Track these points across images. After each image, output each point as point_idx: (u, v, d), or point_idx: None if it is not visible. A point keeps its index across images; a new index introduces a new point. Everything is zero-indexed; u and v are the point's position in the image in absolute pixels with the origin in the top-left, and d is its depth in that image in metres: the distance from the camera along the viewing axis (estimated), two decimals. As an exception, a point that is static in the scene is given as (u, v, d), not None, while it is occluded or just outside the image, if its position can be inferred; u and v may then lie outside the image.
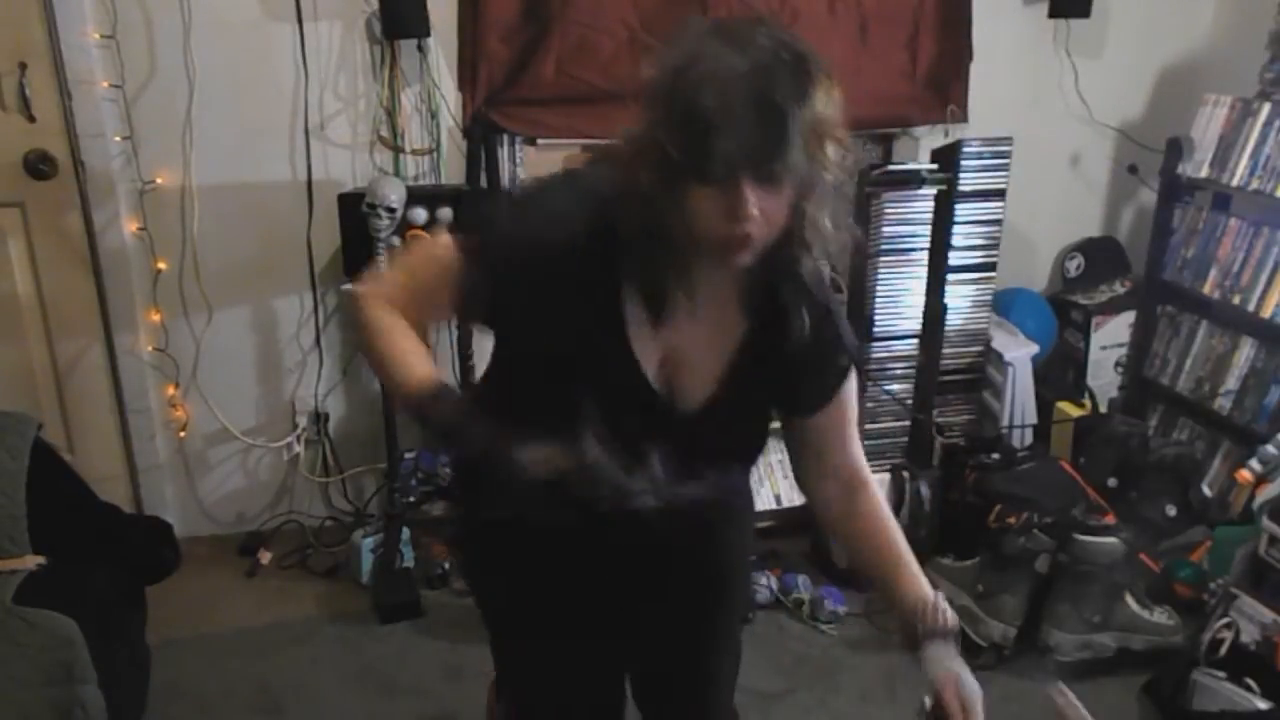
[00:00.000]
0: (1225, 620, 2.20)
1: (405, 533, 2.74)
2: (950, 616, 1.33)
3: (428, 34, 2.60)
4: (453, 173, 2.79)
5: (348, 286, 2.56)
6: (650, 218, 1.12)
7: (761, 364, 1.27)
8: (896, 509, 2.65)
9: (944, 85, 3.02)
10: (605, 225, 1.16)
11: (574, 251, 1.17)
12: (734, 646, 1.65)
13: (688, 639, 1.54)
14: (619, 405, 1.14)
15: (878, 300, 2.87)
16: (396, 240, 2.56)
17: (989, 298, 2.98)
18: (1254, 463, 2.48)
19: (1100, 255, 3.31)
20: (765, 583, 2.60)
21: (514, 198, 1.37)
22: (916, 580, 1.38)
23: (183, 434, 2.86)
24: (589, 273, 1.18)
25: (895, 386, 2.96)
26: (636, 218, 1.13)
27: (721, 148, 1.03)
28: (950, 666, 1.31)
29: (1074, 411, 3.06)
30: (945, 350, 2.96)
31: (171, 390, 2.81)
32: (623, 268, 1.19)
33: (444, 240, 1.24)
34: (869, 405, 2.96)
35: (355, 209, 2.49)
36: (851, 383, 1.36)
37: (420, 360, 1.20)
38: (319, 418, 2.92)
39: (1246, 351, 2.84)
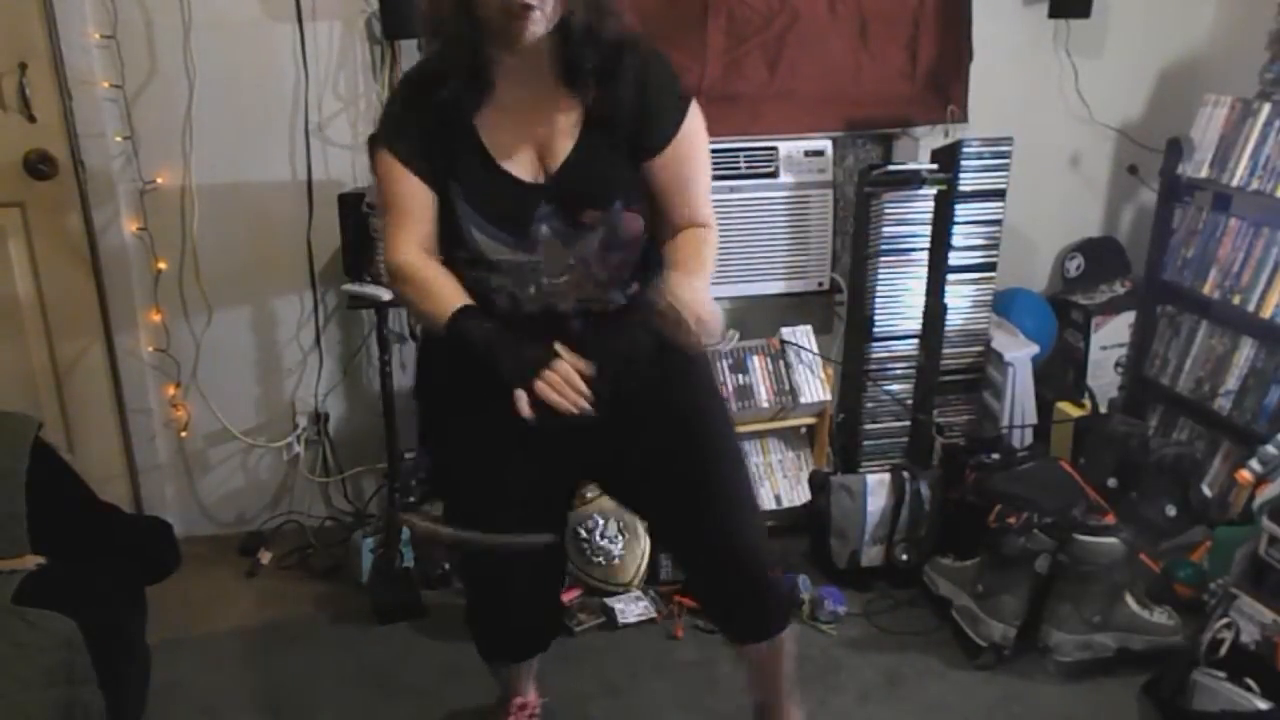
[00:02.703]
0: (1225, 620, 2.20)
1: (405, 533, 2.74)
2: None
3: (428, 34, 2.60)
4: (453, 173, 2.79)
5: (350, 286, 2.55)
6: (449, 20, 1.42)
7: (605, 126, 1.51)
8: (896, 509, 2.65)
9: (944, 85, 3.02)
10: (441, 66, 1.49)
11: (428, 94, 1.48)
12: (730, 451, 1.76)
13: (667, 446, 1.67)
14: (495, 199, 1.51)
15: (878, 300, 2.88)
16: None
17: (989, 298, 2.98)
18: (1254, 463, 2.48)
19: (1100, 255, 3.31)
20: (765, 583, 2.60)
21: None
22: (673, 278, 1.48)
23: (183, 434, 2.86)
24: (443, 107, 1.49)
25: (895, 386, 2.97)
26: (443, 27, 1.45)
27: None
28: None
29: (1074, 411, 3.06)
30: (945, 350, 2.96)
31: (172, 390, 2.81)
32: (465, 90, 1.48)
33: (380, 163, 1.54)
34: (869, 405, 2.97)
35: (355, 209, 2.49)
36: (693, 121, 1.56)
37: (449, 295, 1.50)
38: (319, 418, 2.92)
39: (1246, 351, 2.84)
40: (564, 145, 1.52)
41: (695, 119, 1.56)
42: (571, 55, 1.46)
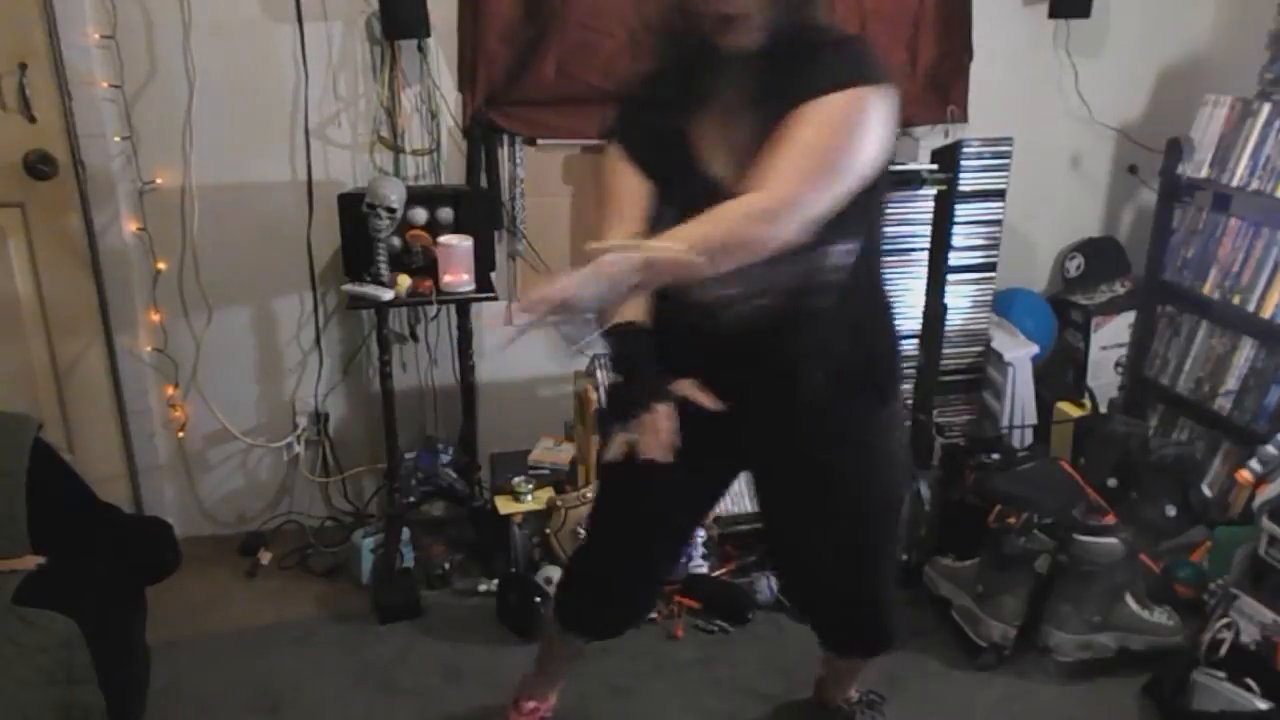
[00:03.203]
0: (1225, 620, 2.20)
1: (405, 533, 2.74)
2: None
3: (428, 34, 2.60)
4: (453, 173, 2.79)
5: (350, 286, 2.54)
6: (669, 16, 1.40)
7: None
8: (896, 509, 2.65)
9: (944, 85, 3.02)
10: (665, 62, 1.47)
11: (652, 91, 1.49)
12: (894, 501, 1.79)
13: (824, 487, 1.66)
14: (694, 203, 1.32)
15: (878, 300, 2.87)
16: (396, 240, 2.56)
17: (989, 298, 2.98)
18: (1254, 463, 2.49)
19: (1100, 255, 3.31)
20: (765, 583, 2.60)
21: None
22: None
23: (182, 434, 2.86)
24: (662, 105, 1.46)
25: (895, 386, 2.96)
26: (661, 22, 1.42)
27: None
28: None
29: (1074, 411, 3.06)
30: (945, 350, 2.96)
31: (171, 390, 2.81)
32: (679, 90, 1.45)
33: (608, 156, 1.50)
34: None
35: (355, 209, 2.49)
36: (840, 102, 1.30)
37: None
38: (319, 418, 2.92)
39: (1246, 351, 2.84)
40: (750, 151, 1.39)
41: (838, 103, 1.31)
42: (775, 62, 1.38)
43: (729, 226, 1.27)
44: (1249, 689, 2.06)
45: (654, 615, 2.54)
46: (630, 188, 1.47)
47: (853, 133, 1.31)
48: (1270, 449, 2.46)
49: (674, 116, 1.46)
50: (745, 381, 1.49)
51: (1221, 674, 2.11)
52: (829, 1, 1.44)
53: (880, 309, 1.62)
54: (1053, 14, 3.00)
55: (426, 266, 2.59)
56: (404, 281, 2.53)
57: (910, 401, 2.98)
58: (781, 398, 1.54)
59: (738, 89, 1.41)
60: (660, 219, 1.41)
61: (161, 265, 2.68)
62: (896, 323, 1.68)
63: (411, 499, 2.81)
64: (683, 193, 1.42)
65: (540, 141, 2.81)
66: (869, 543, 1.71)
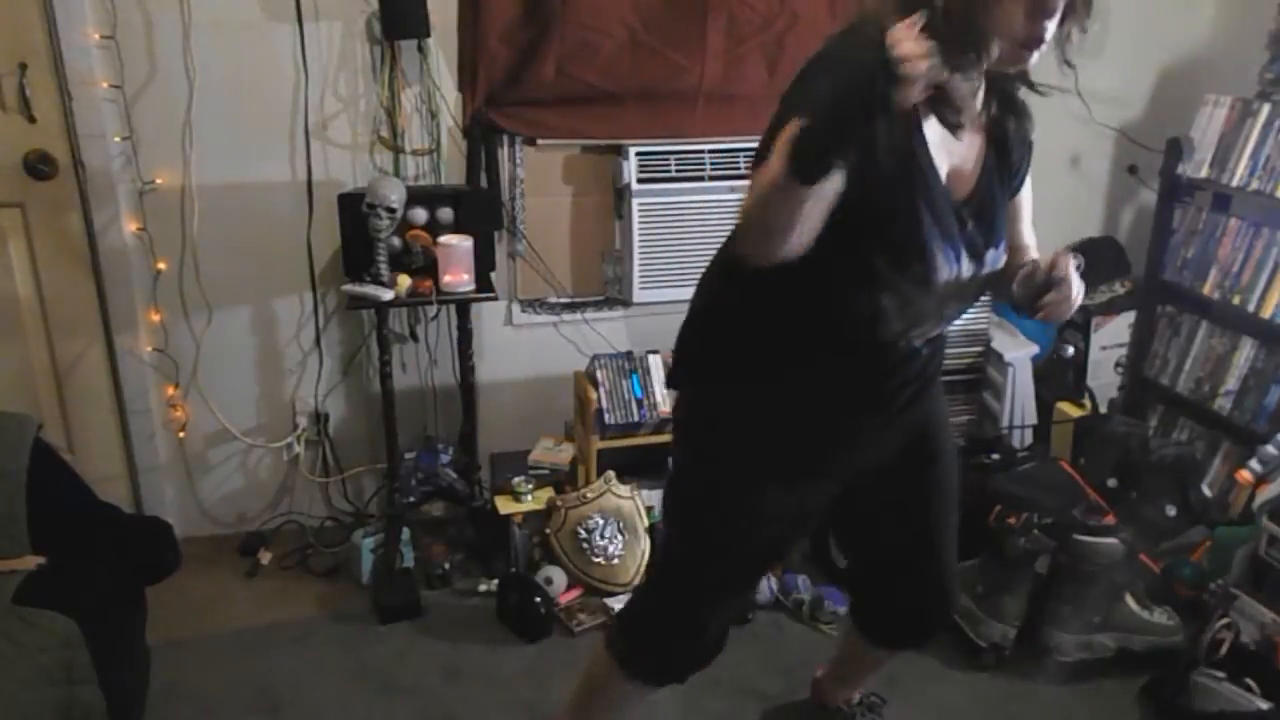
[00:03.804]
0: (1225, 620, 2.20)
1: (405, 533, 2.74)
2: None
3: (428, 34, 2.60)
4: (453, 173, 2.79)
5: (350, 286, 2.54)
6: (967, 20, 1.24)
7: (1000, 162, 1.48)
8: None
9: (944, 85, 3.01)
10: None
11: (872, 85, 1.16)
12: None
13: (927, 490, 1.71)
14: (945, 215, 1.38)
15: (878, 300, 2.87)
16: (396, 240, 2.56)
17: (989, 298, 2.97)
18: (1254, 463, 2.48)
19: (1100, 255, 3.29)
20: (765, 583, 2.60)
21: (811, 74, 1.34)
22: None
23: (182, 434, 2.86)
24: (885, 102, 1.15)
25: (895, 386, 2.96)
26: (957, 23, 1.23)
27: None
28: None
29: (1074, 412, 3.06)
30: (945, 350, 2.96)
31: (171, 390, 2.81)
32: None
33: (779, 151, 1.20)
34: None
35: (355, 209, 2.49)
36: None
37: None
38: (319, 418, 2.92)
39: (1246, 351, 2.85)
40: (971, 174, 1.45)
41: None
42: (1001, 83, 1.43)
43: None
44: (1249, 689, 2.06)
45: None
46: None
47: None
48: (1270, 449, 2.46)
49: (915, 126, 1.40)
50: (902, 384, 1.54)
51: (1221, 674, 2.11)
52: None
53: None
54: (1053, 14, 2.99)
55: (426, 266, 2.59)
56: (404, 281, 2.53)
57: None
58: (919, 389, 1.59)
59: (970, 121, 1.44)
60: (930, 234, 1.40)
61: (161, 265, 2.68)
62: None
63: (411, 499, 2.81)
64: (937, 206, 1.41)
65: (540, 141, 2.81)
66: (954, 515, 1.76)
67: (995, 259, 1.49)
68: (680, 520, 1.67)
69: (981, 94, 1.43)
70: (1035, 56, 1.33)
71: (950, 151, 1.39)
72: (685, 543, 1.66)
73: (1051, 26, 1.28)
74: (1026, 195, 1.62)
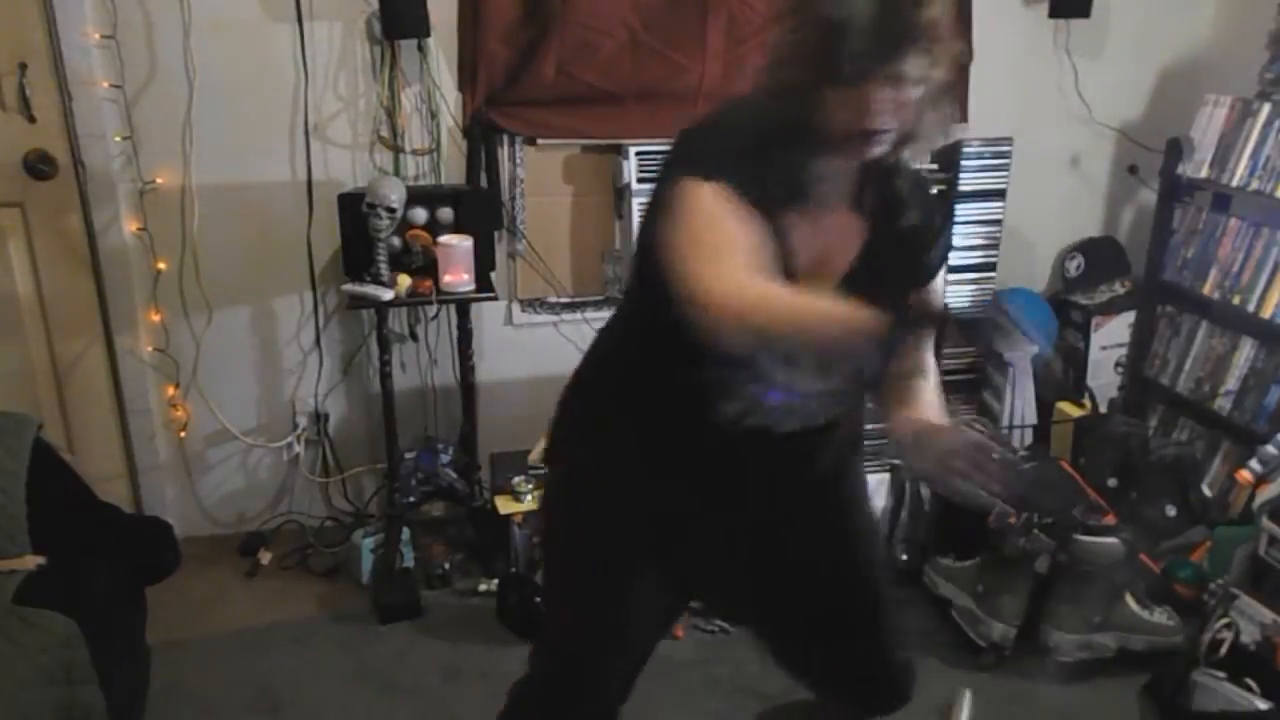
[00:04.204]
0: (1225, 620, 2.20)
1: (405, 533, 2.74)
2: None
3: (428, 34, 2.60)
4: (453, 173, 2.79)
5: (350, 286, 2.54)
6: (797, 116, 1.22)
7: (884, 247, 1.36)
8: (896, 509, 2.64)
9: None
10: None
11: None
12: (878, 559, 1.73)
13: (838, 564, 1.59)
14: None
15: (878, 300, 2.87)
16: (396, 240, 2.56)
17: (989, 298, 2.98)
18: (1254, 463, 2.48)
19: (1100, 255, 3.31)
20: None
21: (699, 132, 1.32)
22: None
23: (183, 434, 2.86)
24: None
25: (895, 386, 2.96)
26: (788, 114, 1.23)
27: (852, 52, 1.13)
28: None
29: (1074, 411, 3.05)
30: (945, 350, 2.96)
31: (171, 390, 2.81)
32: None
33: (704, 196, 1.20)
34: (868, 406, 2.96)
35: (355, 209, 2.49)
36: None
37: (830, 302, 1.21)
38: (319, 418, 2.92)
39: (1246, 351, 2.84)
40: (844, 258, 1.35)
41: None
42: (881, 174, 1.33)
43: None
44: (1249, 689, 2.06)
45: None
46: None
47: None
48: (1270, 449, 2.46)
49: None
50: (773, 471, 1.43)
51: (1221, 674, 2.11)
52: None
53: None
54: (1053, 14, 3.00)
55: (426, 266, 2.59)
56: (404, 281, 2.53)
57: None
58: (799, 475, 1.48)
59: (833, 203, 1.35)
60: None
61: (161, 265, 2.68)
62: None
63: (411, 499, 2.81)
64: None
65: (540, 141, 2.81)
66: (879, 580, 1.65)
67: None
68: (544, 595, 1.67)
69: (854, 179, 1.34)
70: (876, 150, 1.22)
71: (815, 231, 1.31)
72: (553, 615, 1.65)
73: (885, 122, 1.18)
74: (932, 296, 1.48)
